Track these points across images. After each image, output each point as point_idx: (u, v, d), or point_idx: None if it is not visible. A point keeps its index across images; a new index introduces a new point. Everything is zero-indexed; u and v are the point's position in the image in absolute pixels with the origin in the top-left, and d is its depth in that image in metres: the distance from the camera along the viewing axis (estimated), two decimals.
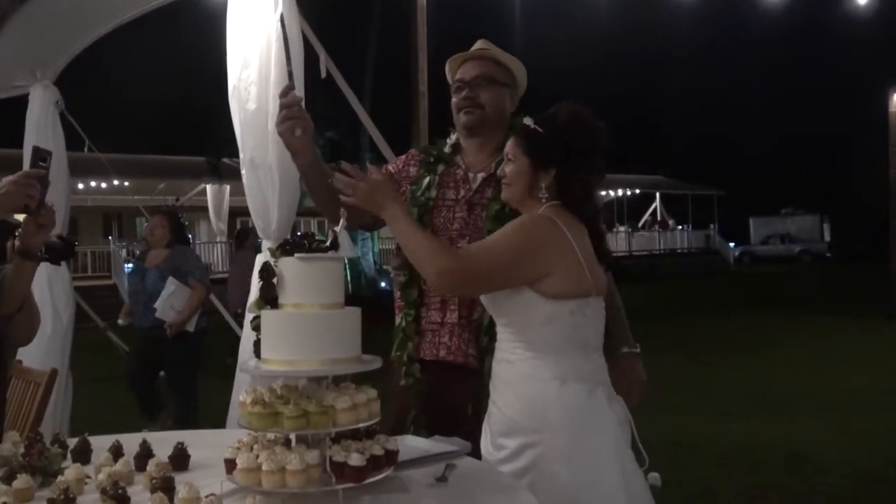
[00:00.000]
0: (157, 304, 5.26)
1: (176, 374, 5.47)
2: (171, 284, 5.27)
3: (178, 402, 5.47)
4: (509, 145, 2.29)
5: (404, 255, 2.57)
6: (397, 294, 2.66)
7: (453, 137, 2.72)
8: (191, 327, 5.42)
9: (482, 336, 2.47)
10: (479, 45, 2.72)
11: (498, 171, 2.33)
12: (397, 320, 2.65)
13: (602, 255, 2.27)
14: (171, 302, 5.27)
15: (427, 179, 2.64)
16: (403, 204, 2.26)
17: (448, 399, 2.48)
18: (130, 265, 5.79)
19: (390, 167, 2.81)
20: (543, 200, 2.22)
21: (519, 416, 2.14)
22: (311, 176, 2.49)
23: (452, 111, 2.69)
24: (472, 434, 2.25)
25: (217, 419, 3.80)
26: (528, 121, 2.27)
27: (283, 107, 2.34)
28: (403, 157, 2.83)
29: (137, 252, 6.06)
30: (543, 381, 2.13)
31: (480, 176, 2.61)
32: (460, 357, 2.51)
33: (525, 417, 2.13)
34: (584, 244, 2.19)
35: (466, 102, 2.61)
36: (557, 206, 2.22)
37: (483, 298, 2.29)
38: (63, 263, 4.71)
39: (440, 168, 2.66)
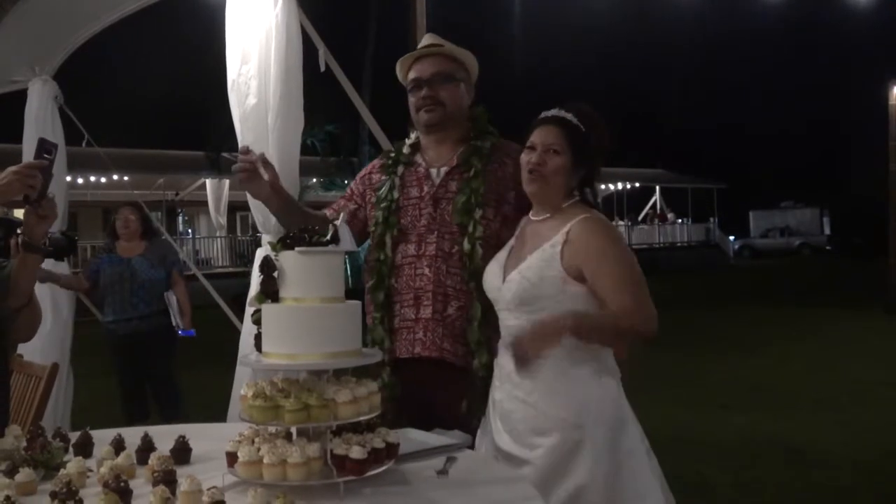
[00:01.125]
0: (175, 323, 5.27)
1: (163, 369, 5.39)
2: (171, 297, 5.31)
3: (167, 399, 5.38)
4: (553, 135, 2.22)
5: (372, 257, 2.57)
6: (368, 297, 2.63)
7: (412, 137, 2.73)
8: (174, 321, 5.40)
9: (472, 334, 2.45)
10: (428, 39, 2.70)
11: (533, 160, 2.24)
12: (368, 321, 2.61)
13: None
14: (176, 310, 5.32)
15: (388, 182, 2.65)
16: (584, 317, 2.15)
17: (427, 395, 2.47)
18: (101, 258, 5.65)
19: (352, 186, 2.81)
20: (575, 197, 2.23)
21: (559, 412, 2.13)
22: (271, 208, 2.61)
23: (410, 110, 2.67)
24: (466, 430, 2.26)
25: (218, 413, 3.81)
26: (569, 116, 2.23)
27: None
28: (368, 167, 2.84)
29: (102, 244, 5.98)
30: (582, 375, 2.15)
31: (443, 170, 2.60)
32: (435, 352, 2.48)
33: (567, 412, 2.11)
34: None
35: (426, 101, 2.60)
36: (581, 202, 2.24)
37: (517, 293, 2.20)
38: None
39: (400, 169, 2.66)
